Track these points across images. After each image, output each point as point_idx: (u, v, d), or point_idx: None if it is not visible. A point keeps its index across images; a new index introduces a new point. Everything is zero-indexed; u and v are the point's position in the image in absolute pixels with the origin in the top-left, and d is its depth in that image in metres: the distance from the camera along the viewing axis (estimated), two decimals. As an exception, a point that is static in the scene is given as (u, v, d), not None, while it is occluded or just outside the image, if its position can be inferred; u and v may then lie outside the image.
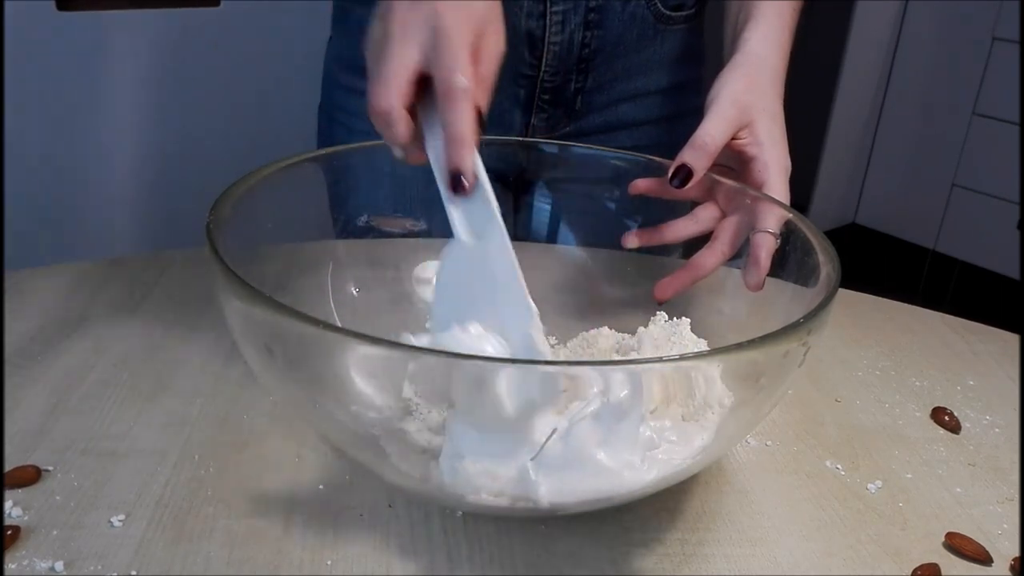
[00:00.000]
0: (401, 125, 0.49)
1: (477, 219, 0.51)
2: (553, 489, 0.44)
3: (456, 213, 0.51)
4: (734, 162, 0.63)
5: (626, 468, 0.45)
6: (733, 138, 0.61)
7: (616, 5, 0.76)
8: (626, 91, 0.81)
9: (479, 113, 0.49)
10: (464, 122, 0.48)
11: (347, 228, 0.64)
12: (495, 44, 0.52)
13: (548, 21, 0.75)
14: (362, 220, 0.64)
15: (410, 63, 0.49)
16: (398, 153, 0.51)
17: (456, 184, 0.49)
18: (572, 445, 0.45)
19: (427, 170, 0.66)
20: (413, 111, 0.51)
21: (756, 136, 0.61)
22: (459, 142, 0.49)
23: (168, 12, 1.55)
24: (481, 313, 0.49)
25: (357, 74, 0.83)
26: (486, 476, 0.45)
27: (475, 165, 0.50)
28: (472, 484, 0.45)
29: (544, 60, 0.76)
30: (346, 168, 0.63)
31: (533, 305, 0.49)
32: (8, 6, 1.37)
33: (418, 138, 0.51)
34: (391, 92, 0.49)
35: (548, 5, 0.74)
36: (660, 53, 0.81)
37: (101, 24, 1.50)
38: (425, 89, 0.50)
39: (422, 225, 0.67)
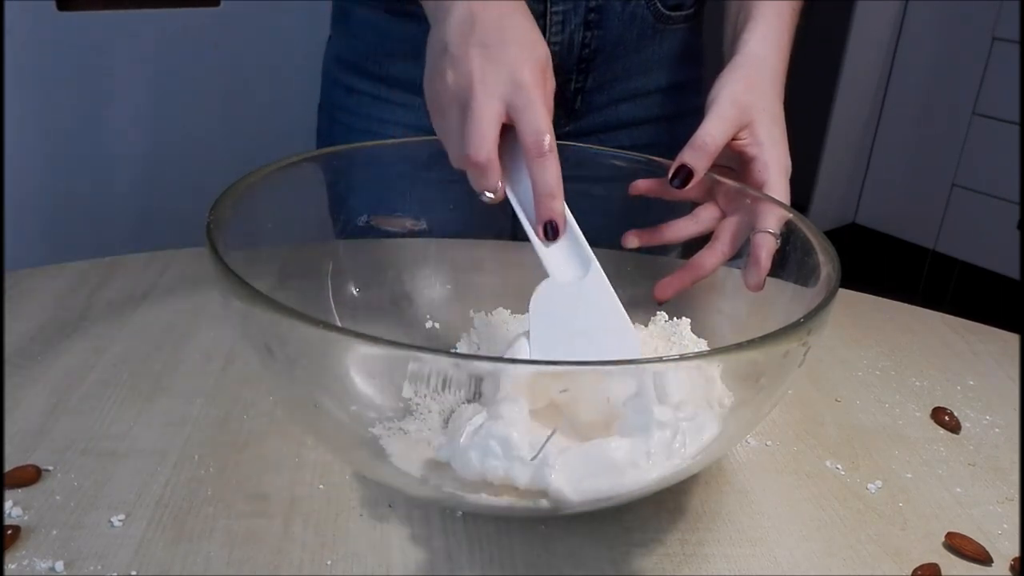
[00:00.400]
0: (496, 175, 0.53)
1: (572, 258, 0.54)
2: (565, 478, 0.44)
3: (549, 256, 0.54)
4: (734, 162, 0.63)
5: (630, 467, 0.45)
6: (733, 138, 0.61)
7: (616, 5, 0.76)
8: (626, 91, 0.81)
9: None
10: (553, 176, 0.52)
11: (347, 228, 0.64)
12: (552, 82, 0.56)
13: (548, 21, 0.75)
14: (362, 220, 0.64)
15: (498, 116, 0.52)
16: (486, 198, 0.54)
17: (549, 232, 0.53)
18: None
19: (429, 170, 0.66)
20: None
21: (756, 136, 0.61)
22: (550, 195, 0.53)
23: (168, 12, 1.55)
24: (582, 349, 0.52)
25: (357, 74, 0.83)
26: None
27: (564, 211, 0.54)
28: (481, 471, 0.45)
29: None
30: (346, 168, 0.63)
31: (636, 336, 0.53)
32: (8, 6, 1.37)
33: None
34: (487, 144, 0.52)
35: (548, 5, 0.74)
36: (659, 53, 0.81)
37: (101, 24, 1.50)
38: (507, 135, 0.54)
39: (422, 224, 0.67)
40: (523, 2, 0.58)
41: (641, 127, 0.84)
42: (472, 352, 0.62)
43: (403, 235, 0.67)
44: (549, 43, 0.76)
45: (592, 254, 0.54)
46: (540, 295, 0.53)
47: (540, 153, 0.52)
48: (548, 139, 0.52)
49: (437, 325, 0.65)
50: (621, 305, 0.54)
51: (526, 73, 0.53)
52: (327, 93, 0.87)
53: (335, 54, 0.85)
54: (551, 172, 0.53)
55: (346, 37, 0.83)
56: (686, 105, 0.84)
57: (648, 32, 0.79)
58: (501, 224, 0.72)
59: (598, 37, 0.77)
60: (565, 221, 0.54)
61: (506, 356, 0.52)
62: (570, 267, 0.54)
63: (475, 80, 0.53)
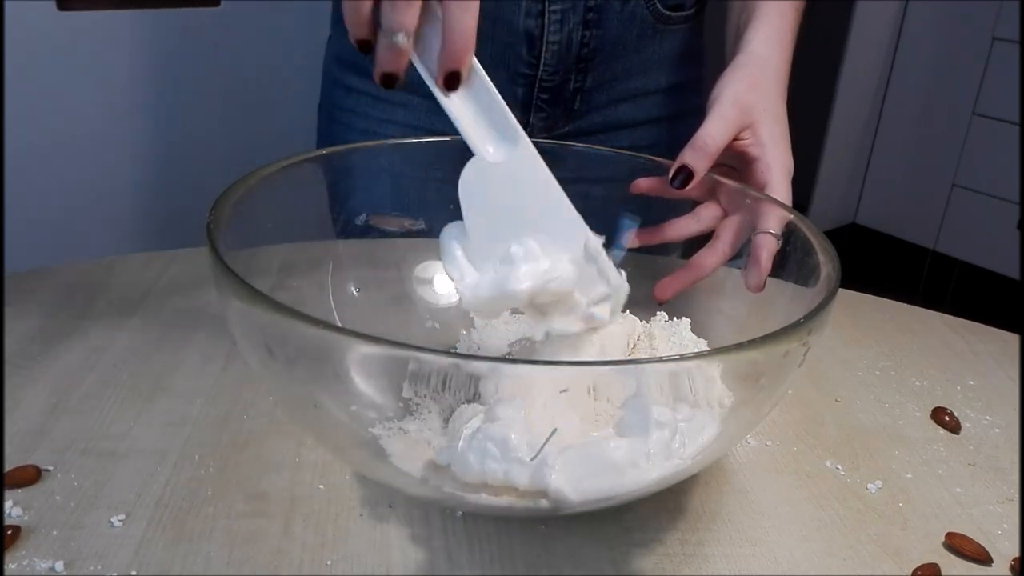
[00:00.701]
0: (410, 10, 0.47)
1: (496, 132, 0.50)
2: (564, 479, 0.44)
3: (472, 131, 0.50)
4: (736, 163, 0.63)
5: (630, 467, 0.45)
6: (735, 139, 0.61)
7: (615, 4, 0.76)
8: (625, 91, 0.81)
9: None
10: (470, 23, 0.47)
11: (347, 227, 0.64)
12: None
13: (546, 20, 0.75)
14: (361, 219, 0.65)
15: None
16: (400, 40, 0.48)
17: (451, 83, 0.48)
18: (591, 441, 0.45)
19: (428, 169, 0.66)
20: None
21: (758, 137, 0.61)
22: (459, 43, 0.47)
23: (168, 12, 1.55)
24: (528, 228, 0.48)
25: (357, 74, 0.83)
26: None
27: (473, 64, 0.49)
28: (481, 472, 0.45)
29: (542, 59, 0.76)
30: (346, 168, 0.63)
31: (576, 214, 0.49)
32: (8, 6, 1.37)
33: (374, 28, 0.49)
34: None
35: (547, 4, 0.74)
36: (659, 53, 0.81)
37: (101, 24, 1.50)
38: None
39: (421, 224, 0.67)
40: None
41: (641, 127, 0.84)
42: (472, 352, 0.62)
43: (402, 234, 0.67)
44: (548, 42, 0.76)
45: (519, 128, 0.50)
46: (468, 177, 0.50)
47: None
48: None
49: (437, 325, 0.65)
50: (556, 182, 0.50)
51: None
52: (327, 93, 0.87)
53: (335, 54, 0.85)
54: (468, 19, 0.47)
55: (346, 37, 0.83)
56: (686, 106, 0.84)
57: (648, 32, 0.79)
58: None
59: (597, 36, 0.77)
60: (471, 70, 0.49)
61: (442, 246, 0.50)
62: (497, 144, 0.50)
63: None
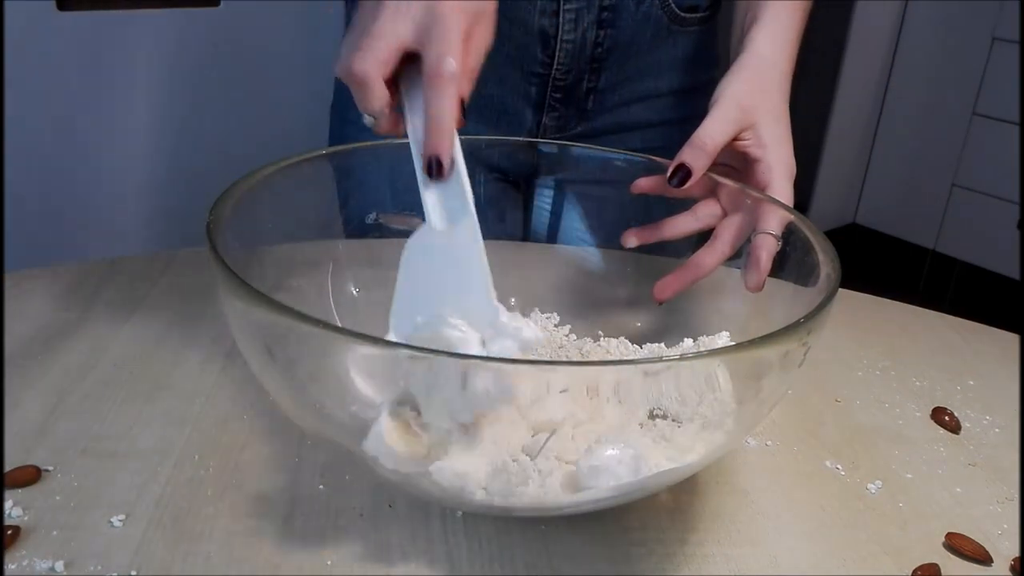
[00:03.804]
0: (374, 96, 0.49)
1: (451, 206, 0.50)
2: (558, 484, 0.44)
3: (430, 198, 0.50)
4: (738, 163, 0.63)
5: (620, 466, 0.45)
6: (737, 140, 0.61)
7: (630, 4, 0.76)
8: (638, 92, 0.81)
9: (462, 103, 0.49)
10: (448, 108, 0.48)
11: (356, 226, 0.64)
12: (484, 37, 0.52)
13: (561, 19, 0.75)
14: (371, 218, 0.65)
15: (400, 36, 0.49)
16: (367, 121, 0.51)
17: (432, 169, 0.49)
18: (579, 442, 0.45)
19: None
20: (395, 86, 0.51)
21: (760, 138, 0.61)
22: (440, 127, 0.48)
23: (168, 12, 1.55)
24: (445, 302, 0.48)
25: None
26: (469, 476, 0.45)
27: (454, 151, 0.50)
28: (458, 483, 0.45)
29: (556, 58, 0.76)
30: (354, 167, 0.63)
31: (495, 299, 0.48)
32: (8, 6, 1.37)
33: (394, 111, 0.51)
34: (370, 56, 0.49)
35: (561, 3, 0.74)
36: (673, 54, 0.81)
37: (101, 24, 1.50)
38: (411, 66, 0.50)
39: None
40: None
41: (653, 129, 0.83)
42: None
43: (410, 233, 0.67)
44: (562, 40, 0.76)
45: (472, 207, 0.50)
46: (413, 243, 0.51)
47: (437, 74, 0.48)
48: (451, 64, 0.48)
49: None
50: (487, 264, 0.49)
51: (447, 8, 0.49)
52: (339, 94, 0.87)
53: None
54: (447, 103, 0.48)
55: None
56: (699, 109, 0.84)
57: (662, 33, 0.78)
58: (507, 225, 0.73)
59: (611, 36, 0.77)
60: (452, 160, 0.50)
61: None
62: (446, 214, 0.51)
63: (389, 5, 0.49)
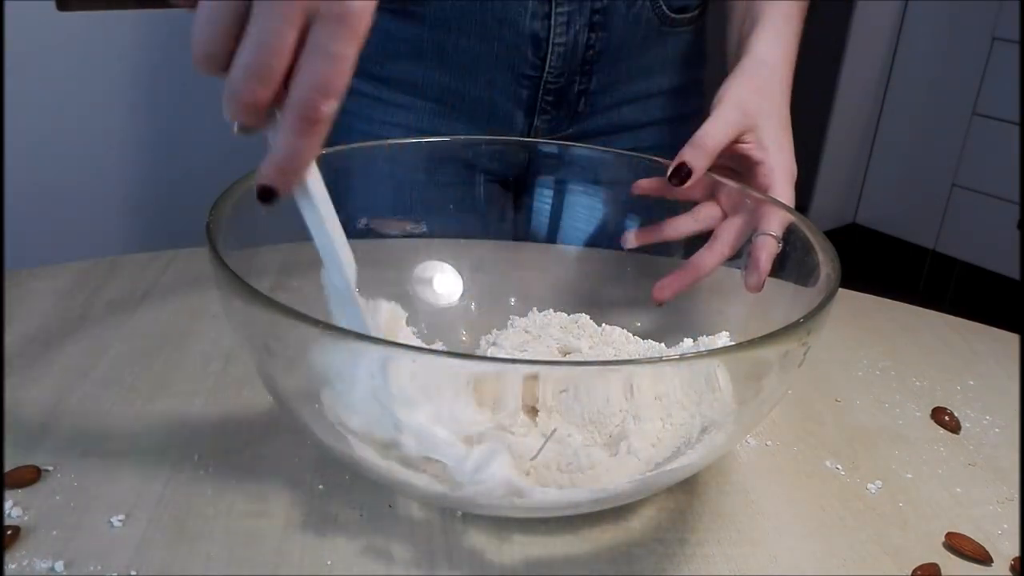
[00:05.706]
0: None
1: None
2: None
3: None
4: (739, 166, 0.63)
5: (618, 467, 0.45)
6: (738, 142, 0.61)
7: (621, 7, 0.76)
8: (629, 93, 0.81)
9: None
10: (301, 147, 0.41)
11: (346, 230, 0.64)
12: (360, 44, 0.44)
13: (553, 22, 0.75)
14: (362, 223, 0.64)
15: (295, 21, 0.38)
16: (234, 127, 0.44)
17: (264, 197, 0.42)
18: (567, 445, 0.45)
19: (428, 172, 0.66)
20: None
21: (761, 141, 0.61)
22: (281, 162, 0.42)
23: (168, 12, 1.55)
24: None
25: (357, 75, 0.82)
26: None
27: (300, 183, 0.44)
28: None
29: (548, 61, 0.76)
30: (344, 170, 0.63)
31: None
32: (8, 6, 1.37)
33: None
34: (219, 40, 0.39)
35: (553, 6, 0.74)
36: (663, 55, 0.81)
37: (101, 24, 1.50)
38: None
39: (422, 227, 0.67)
40: None
41: (644, 129, 0.84)
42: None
43: (403, 237, 0.67)
44: (553, 44, 0.76)
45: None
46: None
47: (312, 109, 0.39)
48: (327, 104, 0.39)
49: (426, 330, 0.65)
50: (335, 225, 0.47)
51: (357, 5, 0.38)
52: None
53: None
54: (304, 144, 0.40)
55: None
56: (689, 107, 0.84)
57: (652, 34, 0.79)
58: (502, 225, 0.72)
59: (602, 39, 0.77)
60: (289, 190, 0.44)
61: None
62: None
63: None
